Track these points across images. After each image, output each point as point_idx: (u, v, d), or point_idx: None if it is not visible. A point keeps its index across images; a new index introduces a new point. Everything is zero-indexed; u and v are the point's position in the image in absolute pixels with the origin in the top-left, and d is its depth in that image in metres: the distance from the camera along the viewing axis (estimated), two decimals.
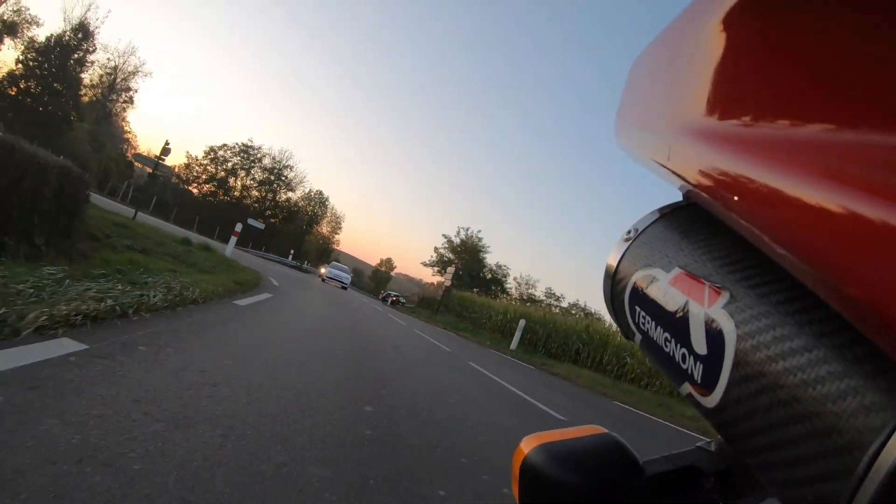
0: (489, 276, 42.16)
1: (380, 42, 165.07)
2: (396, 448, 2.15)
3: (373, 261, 73.96)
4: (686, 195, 0.27)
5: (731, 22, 0.20)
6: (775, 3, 0.19)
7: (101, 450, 1.33)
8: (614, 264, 0.29)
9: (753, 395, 0.18)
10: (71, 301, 2.44)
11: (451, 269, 23.44)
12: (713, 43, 0.22)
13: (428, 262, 40.49)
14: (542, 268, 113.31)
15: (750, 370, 0.18)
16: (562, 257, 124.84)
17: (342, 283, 24.09)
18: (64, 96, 23.03)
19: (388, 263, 70.03)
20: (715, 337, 0.20)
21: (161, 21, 75.92)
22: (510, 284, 45.01)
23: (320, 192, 43.03)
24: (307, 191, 40.54)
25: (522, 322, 12.88)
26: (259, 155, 35.09)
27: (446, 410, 3.25)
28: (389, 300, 27.88)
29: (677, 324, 0.23)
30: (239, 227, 10.46)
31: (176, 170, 47.44)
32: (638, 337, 0.27)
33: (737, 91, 0.20)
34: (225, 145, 34.62)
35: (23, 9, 25.12)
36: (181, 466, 1.39)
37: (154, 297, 3.26)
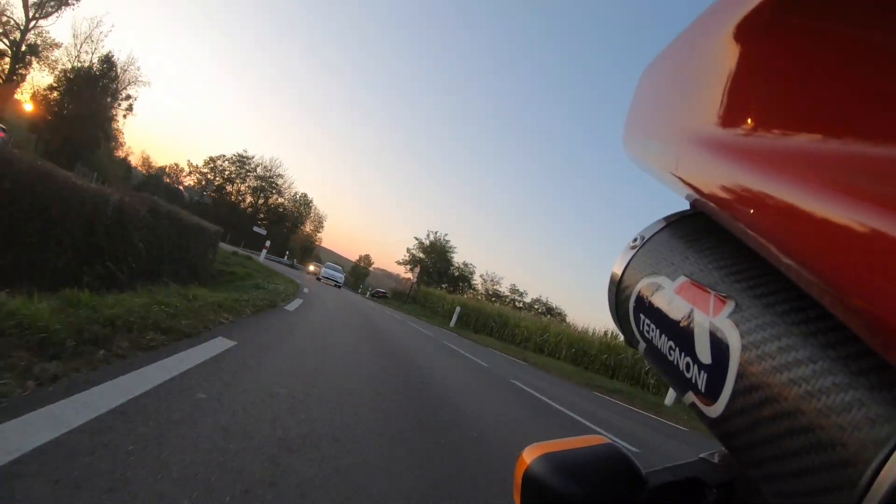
0: (457, 273, 47.82)
1: (359, 43, 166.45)
2: (376, 335, 7.51)
3: (352, 256, 78.34)
4: (693, 204, 0.27)
5: (739, 34, 0.21)
6: (783, 16, 0.19)
7: (288, 372, 2.87)
8: (619, 272, 0.29)
9: (757, 406, 0.18)
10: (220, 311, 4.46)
11: (417, 270, 28.97)
12: (721, 55, 0.22)
13: (401, 261, 45.86)
14: (515, 267, 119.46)
15: (754, 380, 0.18)
16: (536, 258, 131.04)
17: (336, 281, 26.80)
18: (95, 120, 27.34)
19: (367, 259, 74.91)
20: (719, 346, 0.20)
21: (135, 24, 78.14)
22: (476, 281, 50.88)
23: (305, 195, 47.67)
24: (293, 193, 45.22)
25: (458, 308, 18.52)
26: (253, 165, 39.68)
27: (396, 339, 8.50)
28: (378, 294, 32.86)
29: (682, 332, 0.23)
30: (268, 243, 15.60)
31: (167, 169, 51.25)
32: (642, 345, 0.27)
33: (744, 102, 0.20)
34: (223, 156, 38.97)
35: (43, 31, 29.08)
36: (322, 367, 3.41)
37: (260, 301, 5.92)
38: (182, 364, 2.39)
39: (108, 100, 28.83)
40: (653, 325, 0.25)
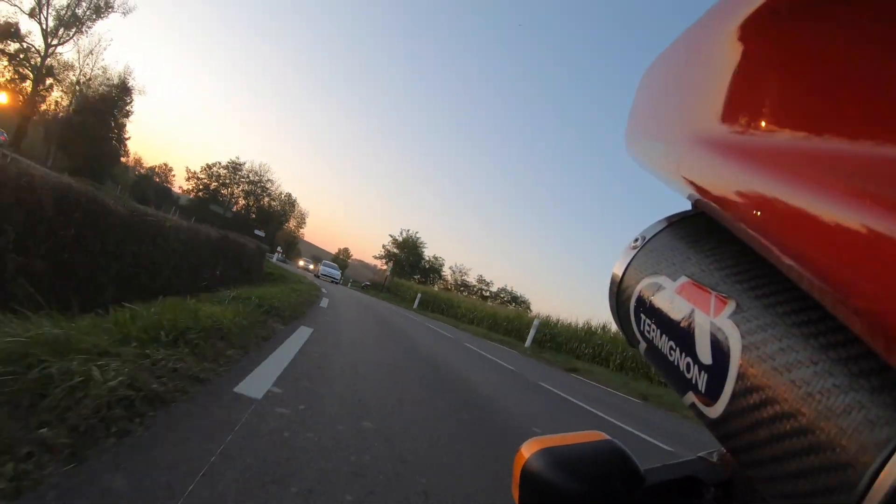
0: (427, 266, 54.26)
1: (337, 35, 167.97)
2: (370, 310, 13.73)
3: (331, 248, 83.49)
4: (695, 204, 0.27)
5: (741, 34, 0.21)
6: (785, 16, 0.19)
7: (359, 343, 5.37)
8: (620, 272, 0.29)
9: (757, 407, 0.18)
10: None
11: (390, 264, 35.22)
12: (724, 54, 0.22)
13: (377, 256, 52.00)
14: (493, 259, 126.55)
15: (754, 381, 0.18)
16: (512, 250, 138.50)
17: (334, 278, 30.07)
18: (114, 138, 32.14)
19: (346, 252, 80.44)
20: (720, 346, 0.20)
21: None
22: (446, 272, 57.55)
23: (290, 195, 52.83)
24: (279, 193, 50.34)
25: (419, 295, 25.10)
26: (245, 171, 44.66)
27: (379, 312, 14.45)
28: (364, 286, 38.57)
29: (683, 332, 0.23)
30: (279, 248, 21.39)
31: (157, 169, 55.34)
32: (642, 345, 0.27)
33: (746, 102, 0.20)
34: (218, 163, 43.64)
35: (56, 53, 33.35)
36: (378, 334, 7.94)
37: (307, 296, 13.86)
38: (302, 336, 4.39)
39: (123, 119, 33.60)
40: (653, 326, 0.25)
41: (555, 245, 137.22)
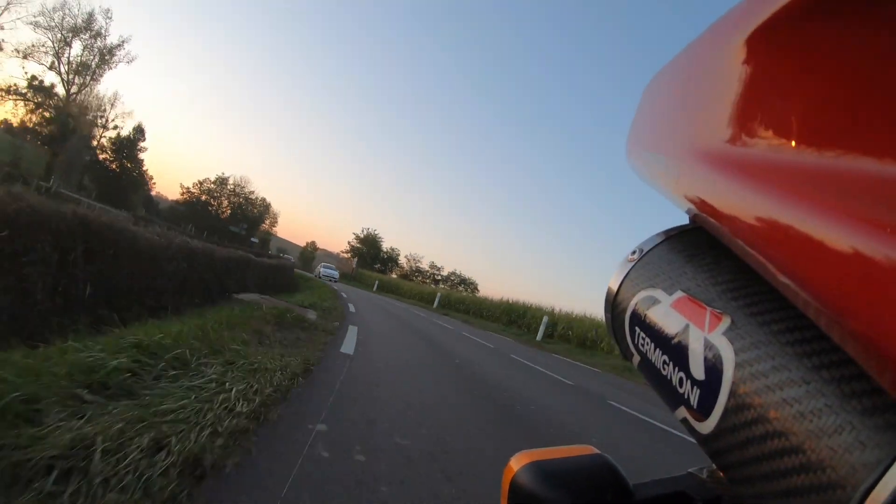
0: (385, 256, 66.20)
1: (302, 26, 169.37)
2: (354, 292, 25.29)
3: (300, 241, 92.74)
4: (693, 219, 0.27)
5: (745, 50, 0.20)
6: (789, 33, 0.19)
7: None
8: (617, 284, 0.28)
9: (749, 424, 0.18)
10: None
11: (355, 259, 46.71)
12: (726, 70, 0.22)
13: (344, 252, 63.41)
14: (449, 246, 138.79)
15: (746, 398, 0.18)
16: (467, 238, 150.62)
17: (333, 278, 32.86)
18: (134, 171, 41.40)
19: (313, 245, 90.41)
20: (713, 362, 0.20)
21: None
22: (402, 261, 69.85)
23: (265, 199, 62.45)
24: (256, 199, 59.98)
25: (377, 282, 36.96)
26: (231, 185, 54.16)
27: (354, 294, 25.49)
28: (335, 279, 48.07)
29: (676, 347, 0.23)
30: (291, 257, 32.30)
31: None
32: (636, 358, 0.27)
33: (748, 118, 0.20)
34: (207, 178, 52.46)
35: (76, 99, 41.61)
36: (395, 319, 11.60)
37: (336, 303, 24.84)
38: (356, 331, 6.58)
39: (140, 157, 42.73)
40: (647, 339, 0.25)
41: (508, 233, 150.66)
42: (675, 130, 0.27)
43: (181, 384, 2.23)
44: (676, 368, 0.23)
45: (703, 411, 0.20)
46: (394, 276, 59.04)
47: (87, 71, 40.39)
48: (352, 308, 11.80)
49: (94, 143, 40.57)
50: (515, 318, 19.51)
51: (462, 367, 6.00)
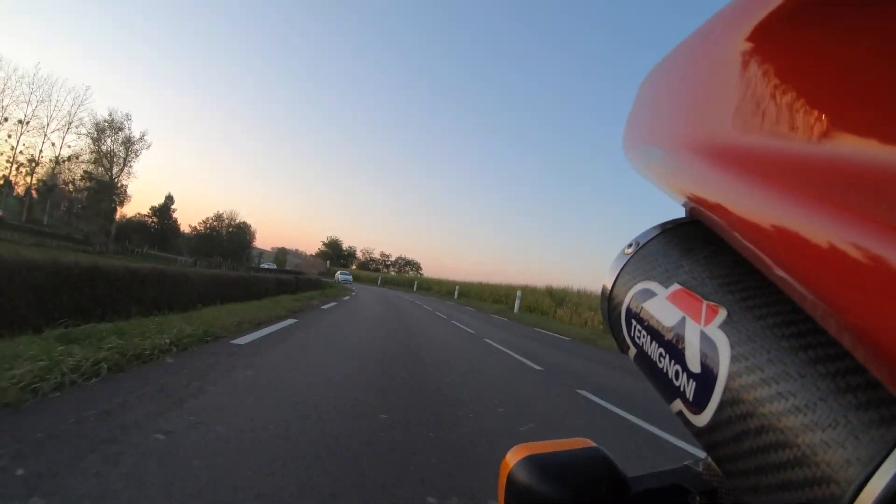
0: (346, 254, 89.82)
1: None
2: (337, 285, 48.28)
3: (268, 245, 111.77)
4: (689, 212, 0.27)
5: (743, 44, 0.21)
6: (787, 28, 0.19)
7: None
8: (613, 277, 0.29)
9: (744, 417, 0.18)
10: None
11: (327, 261, 69.93)
12: (724, 64, 0.22)
13: (314, 255, 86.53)
14: (399, 234, 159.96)
15: (742, 391, 0.18)
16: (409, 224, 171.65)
17: (349, 282, 41.85)
18: (170, 226, 61.49)
19: (283, 252, 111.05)
20: (709, 355, 0.20)
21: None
22: (359, 254, 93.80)
23: (245, 222, 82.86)
24: (240, 223, 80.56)
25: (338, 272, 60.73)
26: (225, 219, 74.50)
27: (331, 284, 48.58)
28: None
29: (672, 340, 0.23)
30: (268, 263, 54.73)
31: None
32: (632, 351, 0.27)
33: (745, 112, 0.20)
34: (209, 217, 72.71)
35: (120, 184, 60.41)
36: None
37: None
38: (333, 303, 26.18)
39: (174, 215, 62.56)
40: (644, 332, 0.25)
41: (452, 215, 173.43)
42: (673, 124, 0.26)
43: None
44: (672, 361, 0.23)
45: (699, 404, 0.21)
46: (354, 267, 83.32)
47: (118, 159, 59.31)
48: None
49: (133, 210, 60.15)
50: (426, 287, 42.91)
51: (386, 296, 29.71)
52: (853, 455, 0.14)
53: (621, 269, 0.28)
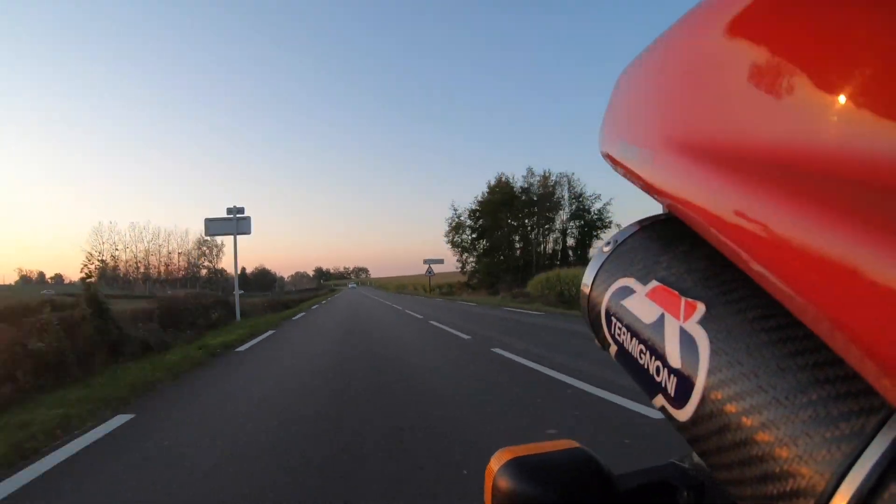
0: (326, 272, 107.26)
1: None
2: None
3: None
4: (667, 208, 0.27)
5: (721, 40, 0.21)
6: (767, 20, 0.19)
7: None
8: (592, 275, 0.29)
9: (725, 411, 0.18)
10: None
11: (319, 279, 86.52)
12: (701, 60, 0.22)
13: (312, 275, 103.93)
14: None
15: (723, 385, 0.19)
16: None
17: (353, 287, 65.63)
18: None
19: (298, 274, 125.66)
20: (689, 351, 0.21)
21: None
22: (332, 270, 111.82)
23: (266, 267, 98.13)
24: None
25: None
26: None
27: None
28: None
29: (652, 336, 0.23)
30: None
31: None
32: (613, 348, 0.27)
33: (723, 107, 0.20)
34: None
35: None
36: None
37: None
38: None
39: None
40: (624, 329, 0.25)
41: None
42: (650, 121, 0.27)
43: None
44: (653, 357, 0.23)
45: (681, 399, 0.21)
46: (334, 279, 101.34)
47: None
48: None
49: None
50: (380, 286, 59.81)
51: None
52: (835, 444, 0.15)
53: (600, 267, 0.28)
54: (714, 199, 0.19)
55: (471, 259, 36.62)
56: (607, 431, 2.76)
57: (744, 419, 0.18)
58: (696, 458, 0.28)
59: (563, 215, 35.23)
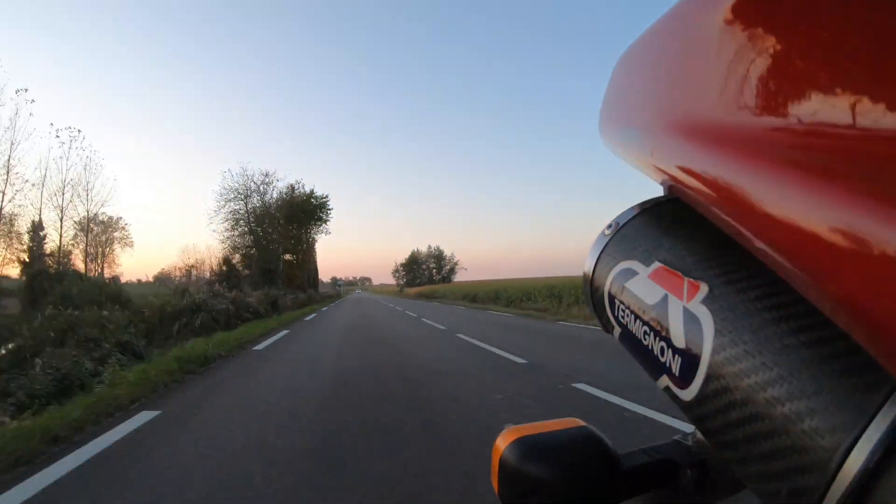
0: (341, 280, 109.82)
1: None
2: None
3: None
4: (668, 190, 0.27)
5: (721, 20, 0.21)
6: (765, 1, 0.19)
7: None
8: (594, 258, 0.29)
9: (730, 389, 0.18)
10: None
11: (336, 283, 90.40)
12: (702, 39, 0.22)
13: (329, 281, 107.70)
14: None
15: (727, 364, 0.19)
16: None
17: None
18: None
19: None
20: (693, 330, 0.21)
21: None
22: (342, 277, 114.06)
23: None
24: None
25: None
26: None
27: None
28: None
29: (656, 317, 0.23)
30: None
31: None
32: (617, 330, 0.27)
33: (723, 87, 0.20)
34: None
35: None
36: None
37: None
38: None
39: None
40: (627, 311, 0.25)
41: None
42: (650, 103, 0.27)
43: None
44: (657, 338, 0.23)
45: (685, 379, 0.21)
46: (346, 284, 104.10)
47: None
48: None
49: None
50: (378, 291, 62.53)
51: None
52: (838, 421, 0.15)
53: (602, 251, 0.28)
54: (716, 178, 0.20)
55: None
56: None
57: (748, 397, 0.18)
58: (698, 436, 0.29)
59: None
